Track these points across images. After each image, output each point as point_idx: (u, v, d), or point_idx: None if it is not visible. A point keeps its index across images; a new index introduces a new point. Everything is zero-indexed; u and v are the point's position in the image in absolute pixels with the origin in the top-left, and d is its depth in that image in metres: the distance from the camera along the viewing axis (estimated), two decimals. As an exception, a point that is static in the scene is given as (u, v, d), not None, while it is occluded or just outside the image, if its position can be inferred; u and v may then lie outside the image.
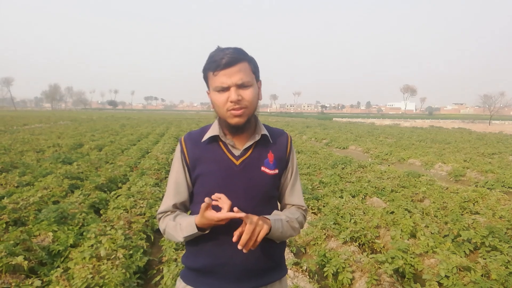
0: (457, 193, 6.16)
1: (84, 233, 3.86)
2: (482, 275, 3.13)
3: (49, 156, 8.97)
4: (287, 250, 3.78)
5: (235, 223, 1.15)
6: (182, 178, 1.31)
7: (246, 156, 1.27)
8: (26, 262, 2.96)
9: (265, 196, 1.29)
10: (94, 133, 17.80)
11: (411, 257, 3.52)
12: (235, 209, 1.11)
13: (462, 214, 5.05)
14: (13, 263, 2.91)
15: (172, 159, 1.78)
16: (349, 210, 5.04)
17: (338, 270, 3.30)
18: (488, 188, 6.84)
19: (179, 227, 1.22)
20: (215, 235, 1.23)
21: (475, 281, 3.01)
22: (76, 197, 5.05)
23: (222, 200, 1.13)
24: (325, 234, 4.18)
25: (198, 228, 1.17)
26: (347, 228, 4.29)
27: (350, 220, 4.69)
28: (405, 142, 16.39)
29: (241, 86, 1.17)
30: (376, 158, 11.61)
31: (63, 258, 3.41)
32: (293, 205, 1.39)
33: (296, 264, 3.34)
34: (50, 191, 5.30)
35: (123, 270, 2.92)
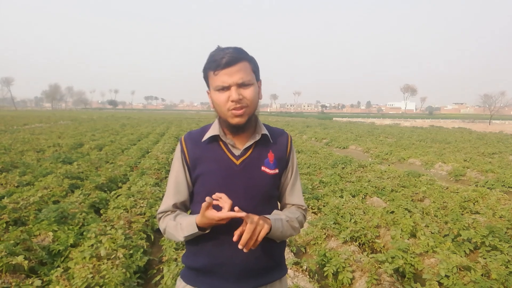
0: (457, 192, 6.16)
1: (84, 233, 3.86)
2: (482, 275, 3.13)
3: (49, 156, 8.97)
4: (287, 249, 3.78)
5: (236, 223, 1.15)
6: (182, 177, 1.30)
7: (246, 156, 1.27)
8: (26, 261, 2.96)
9: (265, 196, 1.29)
10: (94, 133, 17.81)
11: (411, 257, 3.52)
12: (236, 208, 1.11)
13: (462, 214, 5.05)
14: (13, 262, 2.91)
15: (172, 159, 1.78)
16: (349, 210, 5.04)
17: (338, 270, 3.30)
18: (488, 188, 6.84)
19: (180, 227, 1.22)
20: (215, 234, 1.23)
21: (475, 280, 3.01)
22: (76, 196, 5.05)
23: (223, 200, 1.13)
24: (325, 234, 4.18)
25: (199, 227, 1.18)
26: (347, 228, 4.29)
27: (350, 219, 4.69)
28: (405, 142, 16.38)
29: (241, 85, 1.17)
30: (376, 158, 11.62)
31: (63, 258, 3.41)
32: (293, 204, 1.39)
33: (296, 263, 3.34)
34: (50, 190, 5.30)
35: (123, 270, 2.93)
